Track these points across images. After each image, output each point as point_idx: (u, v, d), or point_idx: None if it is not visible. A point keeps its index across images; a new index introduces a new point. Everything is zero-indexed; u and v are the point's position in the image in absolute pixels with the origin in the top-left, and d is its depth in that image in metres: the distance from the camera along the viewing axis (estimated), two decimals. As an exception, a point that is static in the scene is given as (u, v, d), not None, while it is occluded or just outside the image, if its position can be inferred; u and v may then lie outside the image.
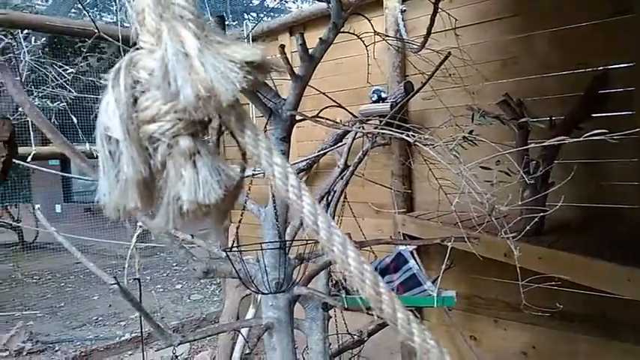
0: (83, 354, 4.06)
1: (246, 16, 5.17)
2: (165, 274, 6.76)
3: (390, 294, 0.44)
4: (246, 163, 0.48)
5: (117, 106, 0.41)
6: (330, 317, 2.08)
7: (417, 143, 1.29)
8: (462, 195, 1.43)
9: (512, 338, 2.72)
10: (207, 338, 4.48)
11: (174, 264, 7.39)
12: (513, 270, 1.96)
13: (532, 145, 1.47)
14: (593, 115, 2.09)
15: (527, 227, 1.43)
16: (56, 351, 4.27)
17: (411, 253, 2.11)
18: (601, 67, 2.21)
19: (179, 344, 2.01)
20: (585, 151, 2.24)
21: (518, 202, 1.85)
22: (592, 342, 2.42)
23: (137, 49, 0.43)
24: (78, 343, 4.41)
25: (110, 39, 2.09)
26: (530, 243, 1.94)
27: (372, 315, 2.61)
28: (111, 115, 0.42)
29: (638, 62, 2.15)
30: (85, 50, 5.27)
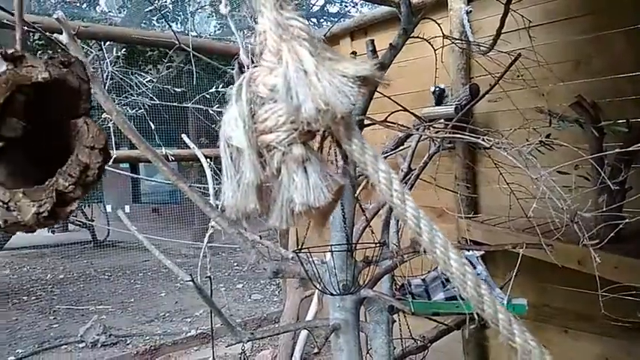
0: (153, 348, 4.27)
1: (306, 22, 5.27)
2: (226, 274, 6.98)
3: (490, 295, 0.46)
4: (348, 169, 0.52)
5: (240, 119, 0.46)
6: (395, 321, 2.09)
7: (493, 147, 1.29)
8: (535, 200, 1.40)
9: (584, 349, 2.61)
10: (268, 338, 4.60)
11: (235, 264, 7.62)
12: (584, 278, 1.89)
13: (617, 150, 1.42)
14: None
15: (612, 234, 1.38)
16: (128, 344, 4.52)
17: (478, 258, 2.08)
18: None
19: (248, 341, 2.09)
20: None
21: (593, 209, 1.79)
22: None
23: (255, 67, 0.48)
24: (147, 337, 4.65)
25: (189, 49, 2.21)
26: (606, 251, 1.87)
27: (436, 321, 2.60)
28: (234, 127, 0.47)
29: None
30: (155, 59, 5.57)
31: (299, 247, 1.66)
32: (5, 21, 2.46)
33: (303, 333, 4.02)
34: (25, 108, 0.73)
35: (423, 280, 2.21)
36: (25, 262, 8.37)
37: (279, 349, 4.02)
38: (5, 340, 4.69)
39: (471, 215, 2.92)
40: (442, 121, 2.59)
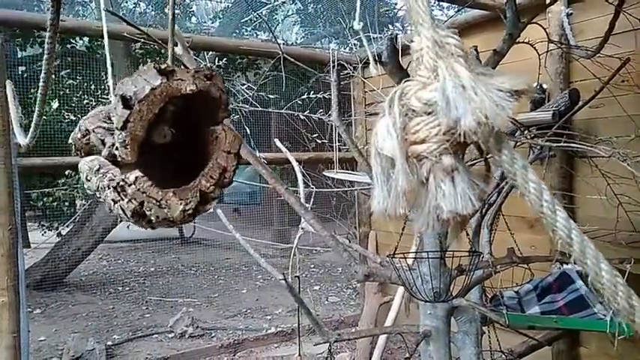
0: (236, 342, 4.46)
1: (391, 27, 5.27)
2: (304, 275, 7.12)
3: (613, 272, 0.46)
4: (491, 177, 0.53)
5: (393, 129, 0.49)
6: (484, 333, 2.04)
7: (612, 157, 1.23)
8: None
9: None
10: (346, 341, 4.64)
11: (312, 266, 7.75)
12: None
13: None
14: None
15: None
16: (212, 337, 4.76)
17: (578, 273, 1.98)
18: None
19: (335, 341, 2.13)
20: None
21: None
22: None
23: (406, 81, 0.51)
24: (230, 331, 4.86)
25: (292, 59, 2.31)
26: None
27: (527, 336, 2.50)
28: (386, 137, 0.50)
29: None
30: (244, 66, 5.81)
31: (392, 253, 1.68)
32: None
33: (382, 338, 4.02)
34: (172, 117, 0.81)
35: (517, 292, 2.13)
36: (120, 255, 9.06)
37: (357, 352, 4.04)
38: (103, 326, 5.11)
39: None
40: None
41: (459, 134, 0.45)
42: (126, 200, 0.79)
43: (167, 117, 0.80)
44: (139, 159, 0.81)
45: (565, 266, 2.03)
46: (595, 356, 2.87)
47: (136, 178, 0.79)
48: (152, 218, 0.78)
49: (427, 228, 0.51)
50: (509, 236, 2.51)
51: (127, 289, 6.66)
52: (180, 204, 0.77)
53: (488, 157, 0.52)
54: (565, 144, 1.66)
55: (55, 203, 7.50)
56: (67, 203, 7.94)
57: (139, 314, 5.51)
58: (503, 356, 2.46)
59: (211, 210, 0.89)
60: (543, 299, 2.02)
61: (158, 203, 0.76)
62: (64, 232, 7.28)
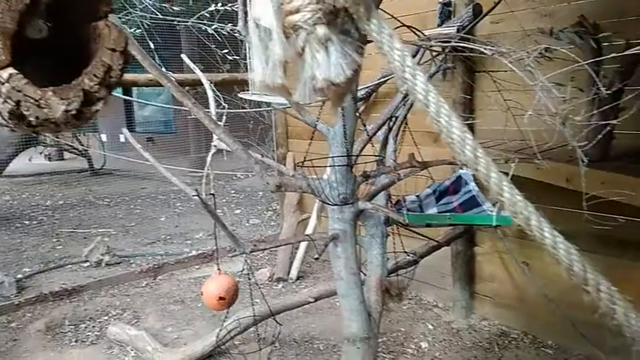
0: (156, 266, 4.47)
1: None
2: (224, 200, 7.13)
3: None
4: (364, 48, 0.57)
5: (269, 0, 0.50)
6: (389, 235, 2.21)
7: (494, 55, 1.32)
8: (529, 118, 1.46)
9: (566, 265, 2.78)
10: (266, 258, 4.82)
11: (233, 191, 7.76)
12: (570, 198, 1.99)
13: (608, 57, 1.46)
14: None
15: (599, 136, 1.44)
16: (131, 264, 4.72)
17: (473, 175, 2.17)
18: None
19: (251, 252, 2.22)
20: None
21: (586, 128, 1.85)
22: (648, 270, 2.46)
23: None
24: (150, 257, 4.84)
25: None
26: (594, 168, 1.96)
27: (428, 238, 2.74)
28: (264, 8, 0.51)
29: None
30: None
31: (302, 161, 1.74)
32: None
33: (301, 252, 4.22)
34: (47, 10, 0.75)
35: (418, 196, 2.31)
36: (24, 189, 8.47)
37: (276, 267, 4.23)
38: (12, 259, 4.87)
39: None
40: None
41: (327, 1, 0.47)
42: (1, 101, 0.75)
43: (42, 10, 0.74)
44: (15, 58, 0.75)
45: (461, 170, 2.21)
46: (488, 254, 3.23)
47: (10, 75, 0.74)
48: (31, 119, 0.74)
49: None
50: (415, 150, 2.67)
51: (35, 222, 6.32)
52: (62, 104, 0.74)
53: (361, 29, 0.54)
54: (456, 43, 1.75)
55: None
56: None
57: (50, 247, 5.29)
58: (407, 257, 2.71)
59: (99, 110, 0.85)
60: (441, 201, 2.22)
61: (37, 103, 0.72)
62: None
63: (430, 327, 3.24)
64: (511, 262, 3.05)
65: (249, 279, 2.49)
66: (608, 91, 1.46)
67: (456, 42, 1.73)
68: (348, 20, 0.54)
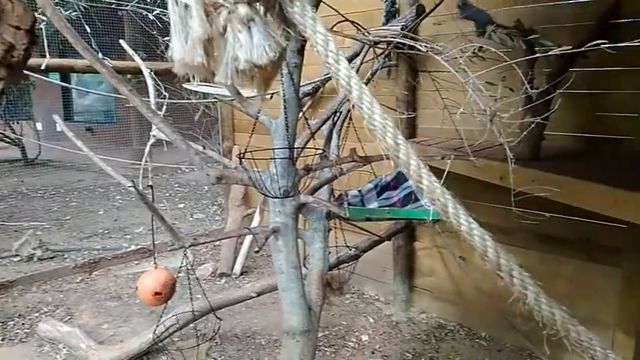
0: (92, 262, 4.28)
1: None
2: (167, 194, 6.95)
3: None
4: (292, 35, 0.56)
5: (188, -27, 0.48)
6: (330, 229, 2.23)
7: (429, 52, 1.35)
8: (463, 115, 1.51)
9: (499, 259, 2.91)
10: (209, 253, 4.73)
11: (177, 185, 7.57)
12: (505, 196, 2.08)
13: (538, 55, 1.53)
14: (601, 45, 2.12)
15: (529, 127, 1.51)
16: (65, 258, 4.50)
17: (412, 172, 2.22)
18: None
19: (190, 246, 2.16)
20: (588, 82, 2.30)
21: (518, 128, 1.93)
22: (574, 264, 2.61)
23: None
24: (86, 252, 4.64)
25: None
26: (525, 167, 2.05)
27: (370, 233, 2.78)
28: (182, -18, 0.49)
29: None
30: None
31: (242, 153, 1.71)
32: None
33: (245, 247, 4.18)
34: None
35: (360, 191, 2.34)
36: (-52, 179, 7.90)
37: (220, 262, 4.16)
38: None
39: (407, 136, 3.06)
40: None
41: (248, -24, 0.46)
42: None
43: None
44: None
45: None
46: (427, 249, 3.32)
47: None
48: None
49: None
50: (358, 145, 2.70)
51: (-41, 215, 5.91)
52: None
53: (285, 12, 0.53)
54: (395, 38, 1.78)
55: None
56: None
57: (-24, 240, 4.96)
58: (349, 251, 2.74)
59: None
60: (381, 196, 2.26)
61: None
62: None
63: (371, 320, 3.29)
64: (449, 256, 3.16)
65: (189, 274, 2.43)
66: (536, 90, 1.53)
67: (395, 40, 1.76)
68: (272, 0, 0.53)
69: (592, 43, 1.15)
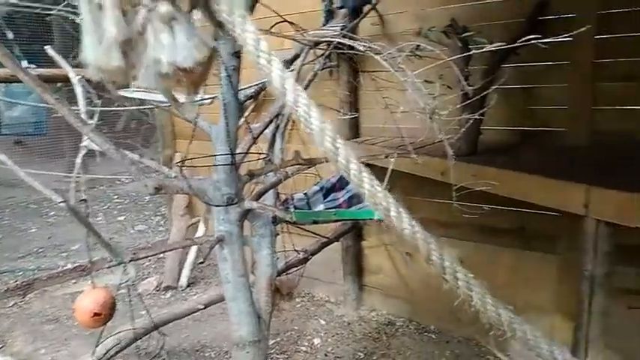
0: (25, 283, 4.01)
1: None
2: (106, 207, 6.64)
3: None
4: (221, 33, 0.52)
5: (98, -32, 0.44)
6: (278, 234, 2.19)
7: (366, 52, 1.35)
8: (404, 114, 1.53)
9: (445, 253, 2.98)
10: (153, 267, 4.54)
11: (116, 196, 7.24)
12: (448, 190, 2.14)
13: (473, 52, 1.58)
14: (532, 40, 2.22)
15: (467, 125, 1.54)
16: (-5, 281, 4.19)
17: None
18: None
19: (130, 261, 2.06)
20: (520, 77, 2.40)
21: (456, 125, 1.98)
22: (511, 253, 2.72)
23: None
24: (19, 273, 4.33)
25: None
26: (464, 162, 2.10)
27: (318, 235, 2.77)
28: (92, -23, 0.44)
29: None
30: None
31: (181, 161, 1.64)
32: None
33: (190, 257, 4.05)
34: None
35: (305, 194, 2.32)
36: None
37: (164, 275, 4.00)
38: None
39: (351, 137, 3.08)
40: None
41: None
42: None
43: None
44: None
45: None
46: (375, 247, 3.35)
47: None
48: None
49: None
50: (304, 149, 2.68)
51: None
52: None
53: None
54: (334, 39, 1.78)
55: None
56: None
57: None
58: (298, 255, 2.71)
59: None
60: (327, 198, 2.25)
61: None
62: None
63: (323, 322, 3.28)
64: (396, 253, 3.20)
65: (129, 291, 2.31)
66: (472, 87, 1.57)
67: (335, 40, 1.76)
68: (196, -1, 0.49)
69: (523, 39, 1.19)
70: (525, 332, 0.52)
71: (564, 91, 2.39)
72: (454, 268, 0.53)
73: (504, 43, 1.35)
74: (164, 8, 0.45)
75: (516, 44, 1.18)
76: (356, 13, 2.37)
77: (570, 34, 1.30)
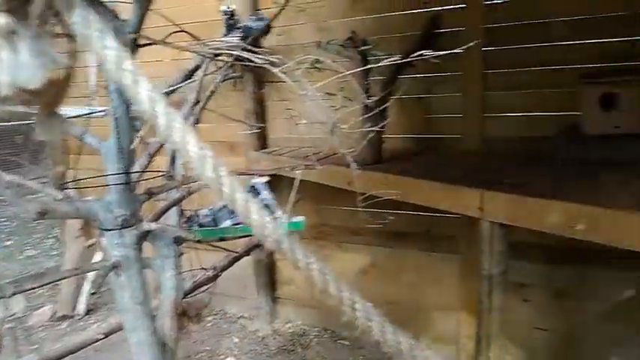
0: None
1: None
2: (-11, 231, 5.97)
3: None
4: (76, 51, 0.45)
5: None
6: (183, 253, 2.07)
7: (264, 65, 1.32)
8: (307, 125, 1.51)
9: (354, 260, 3.02)
10: (47, 295, 4.14)
11: (3, 219, 6.54)
12: (355, 199, 2.16)
13: (370, 66, 1.60)
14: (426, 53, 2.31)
15: (369, 135, 1.55)
16: None
17: (264, 185, 2.18)
18: (438, 8, 2.42)
19: (13, 294, 1.83)
20: (419, 87, 2.50)
21: (359, 135, 2.01)
22: (418, 256, 2.82)
23: None
24: None
25: None
26: (369, 170, 2.14)
27: (227, 250, 2.67)
28: None
29: (469, 4, 2.41)
30: None
31: (64, 183, 1.49)
32: None
33: (88, 284, 3.73)
34: None
35: (211, 209, 2.22)
36: None
37: (59, 304, 3.65)
38: None
39: (258, 148, 3.03)
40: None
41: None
42: None
43: None
44: None
45: (253, 180, 2.20)
46: (284, 260, 3.31)
47: None
48: None
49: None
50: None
51: None
52: None
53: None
54: (239, 62, 1.73)
55: None
56: None
57: None
58: (207, 273, 2.59)
59: None
60: (234, 213, 2.17)
61: None
62: None
63: (236, 340, 3.18)
64: (308, 263, 3.19)
65: (17, 325, 2.06)
66: (372, 98, 1.60)
67: (234, 52, 1.70)
68: (45, 10, 0.42)
69: (416, 53, 1.23)
70: (427, 358, 0.51)
71: (458, 101, 2.52)
72: (352, 299, 0.50)
73: (400, 57, 1.38)
74: (2, 21, 0.38)
75: (410, 59, 1.21)
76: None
77: (461, 47, 1.36)
